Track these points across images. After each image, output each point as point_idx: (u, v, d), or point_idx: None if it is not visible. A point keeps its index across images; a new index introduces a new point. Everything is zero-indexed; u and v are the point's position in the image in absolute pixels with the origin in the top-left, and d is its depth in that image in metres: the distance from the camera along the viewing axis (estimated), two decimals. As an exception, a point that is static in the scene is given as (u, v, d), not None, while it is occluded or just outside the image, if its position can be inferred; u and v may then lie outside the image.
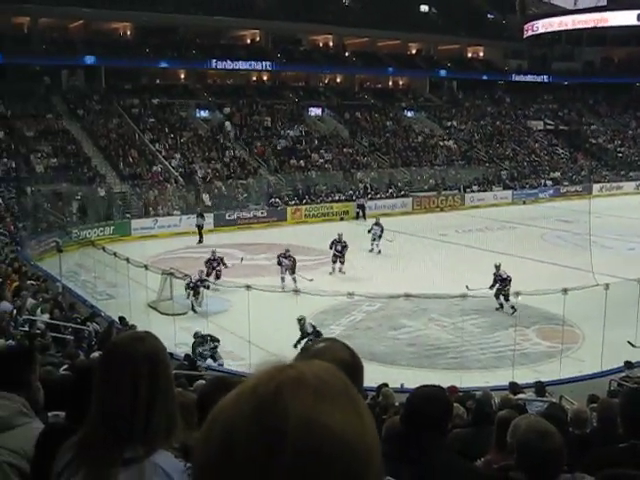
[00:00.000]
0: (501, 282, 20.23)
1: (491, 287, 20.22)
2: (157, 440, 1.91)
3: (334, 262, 24.73)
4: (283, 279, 22.68)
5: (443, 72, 59.29)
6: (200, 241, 31.01)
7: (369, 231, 28.69)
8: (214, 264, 23.07)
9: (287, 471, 0.93)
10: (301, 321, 17.24)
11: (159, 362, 1.96)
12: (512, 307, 19.63)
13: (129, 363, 1.91)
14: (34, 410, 3.80)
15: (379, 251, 28.12)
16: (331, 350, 1.72)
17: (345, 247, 24.95)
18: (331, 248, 24.94)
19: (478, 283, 19.75)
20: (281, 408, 0.96)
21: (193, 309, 20.51)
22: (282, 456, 0.93)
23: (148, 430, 1.90)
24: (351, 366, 1.68)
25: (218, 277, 22.63)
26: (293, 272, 22.87)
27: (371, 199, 40.31)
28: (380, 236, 28.27)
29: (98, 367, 1.98)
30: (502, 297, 20.04)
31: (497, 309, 20.18)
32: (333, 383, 1.02)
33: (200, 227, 32.06)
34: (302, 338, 16.61)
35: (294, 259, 23.40)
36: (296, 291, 18.03)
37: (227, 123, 44.50)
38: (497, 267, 20.72)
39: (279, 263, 23.50)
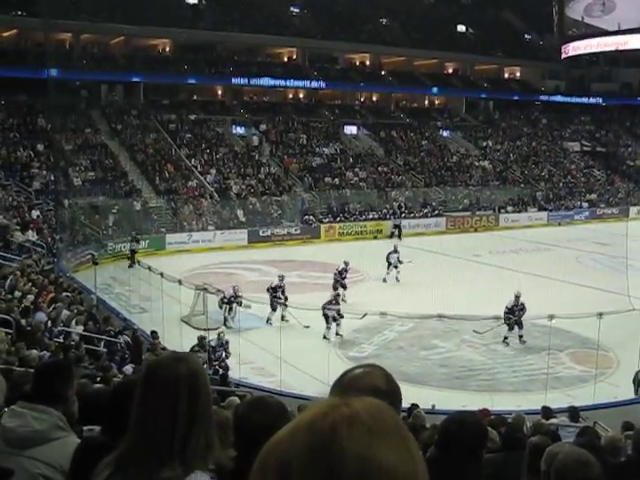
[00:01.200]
0: (520, 311, 19.50)
1: (507, 319, 19.39)
2: (195, 461, 1.92)
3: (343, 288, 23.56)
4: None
5: (480, 92, 59.17)
6: (131, 265, 27.51)
7: (387, 259, 27.08)
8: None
9: None
10: None
11: (199, 384, 1.98)
12: (520, 336, 19.37)
13: (170, 384, 1.93)
14: (70, 424, 3.85)
15: (397, 279, 26.59)
16: (368, 377, 1.68)
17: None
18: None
19: (504, 300, 19.64)
20: (337, 446, 0.98)
21: (225, 324, 20.56)
22: None
23: (186, 451, 1.92)
24: (388, 394, 1.64)
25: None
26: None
27: (405, 218, 40.21)
28: (400, 262, 26.93)
29: (138, 386, 2.00)
30: (516, 326, 19.56)
31: (504, 341, 19.52)
32: (386, 421, 1.04)
33: (134, 252, 29.33)
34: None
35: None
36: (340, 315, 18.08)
37: (254, 137, 44.70)
38: (517, 297, 19.67)
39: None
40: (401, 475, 0.99)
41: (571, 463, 2.93)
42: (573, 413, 11.93)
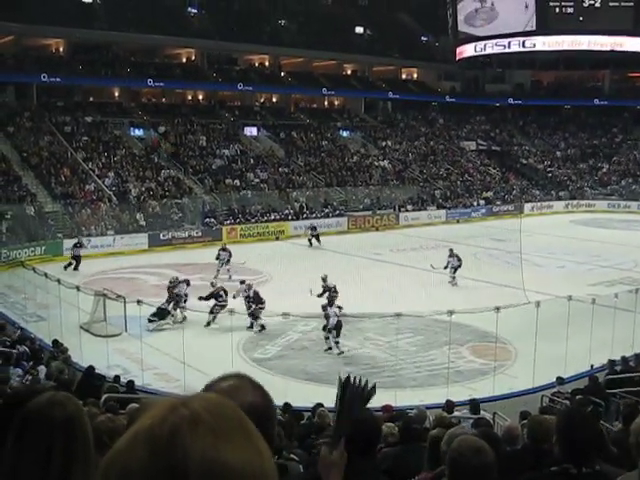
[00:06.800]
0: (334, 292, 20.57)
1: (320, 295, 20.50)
2: None
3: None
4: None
5: (378, 93, 60.03)
6: (76, 268, 28.34)
7: (217, 257, 27.51)
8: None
9: None
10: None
11: (76, 428, 1.86)
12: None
13: (44, 431, 1.82)
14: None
15: (230, 277, 26.08)
16: (239, 391, 1.50)
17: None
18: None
19: (413, 301, 19.98)
20: (179, 451, 0.94)
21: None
22: None
23: None
24: (263, 410, 1.50)
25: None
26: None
27: (306, 218, 40.36)
28: (229, 261, 27.33)
29: (11, 431, 1.87)
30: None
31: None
32: (229, 419, 1.01)
33: (78, 257, 29.05)
34: None
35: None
36: (231, 311, 17.86)
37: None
38: (324, 279, 21.36)
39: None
40: (249, 474, 0.97)
41: (465, 450, 2.98)
42: (474, 405, 12.22)
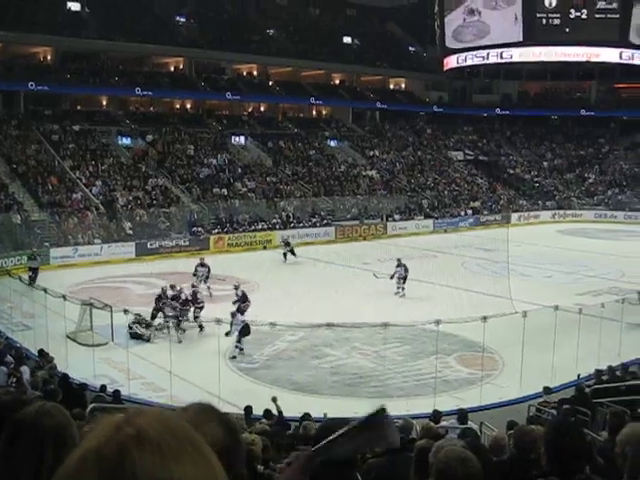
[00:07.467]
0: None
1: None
2: None
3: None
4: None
5: (366, 103, 60.16)
6: (30, 284, 25.85)
7: (194, 273, 25.92)
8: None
9: None
10: None
11: (66, 436, 1.87)
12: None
13: (34, 440, 1.81)
14: None
15: (210, 295, 24.91)
16: (198, 425, 1.31)
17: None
18: None
19: (400, 311, 19.97)
20: (128, 471, 0.92)
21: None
22: None
23: None
24: (228, 446, 1.39)
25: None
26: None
27: (294, 228, 40.36)
28: (207, 278, 26.02)
29: (1, 442, 1.86)
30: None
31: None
32: (177, 435, 0.99)
33: (35, 270, 27.93)
34: None
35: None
36: (218, 321, 17.79)
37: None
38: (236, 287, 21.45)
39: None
40: None
41: (452, 460, 2.98)
42: (461, 415, 12.21)
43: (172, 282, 22.64)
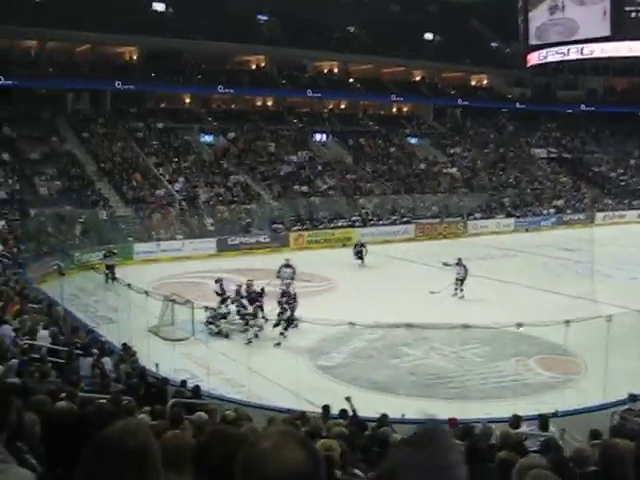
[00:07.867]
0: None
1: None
2: None
3: None
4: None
5: (447, 100, 59.58)
6: (107, 281, 26.12)
7: (278, 275, 24.56)
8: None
9: None
10: None
11: (148, 459, 1.88)
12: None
13: (117, 462, 1.83)
14: (28, 445, 3.73)
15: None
16: (280, 453, 1.32)
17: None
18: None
19: (480, 311, 19.70)
20: None
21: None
22: None
23: None
24: (308, 471, 1.32)
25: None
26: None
27: (373, 225, 40.29)
28: (292, 279, 24.09)
29: (83, 460, 1.88)
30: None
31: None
32: None
33: (111, 267, 27.77)
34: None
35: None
36: (297, 319, 17.94)
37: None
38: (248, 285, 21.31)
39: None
40: None
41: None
42: (543, 421, 11.95)
43: (251, 278, 22.76)
